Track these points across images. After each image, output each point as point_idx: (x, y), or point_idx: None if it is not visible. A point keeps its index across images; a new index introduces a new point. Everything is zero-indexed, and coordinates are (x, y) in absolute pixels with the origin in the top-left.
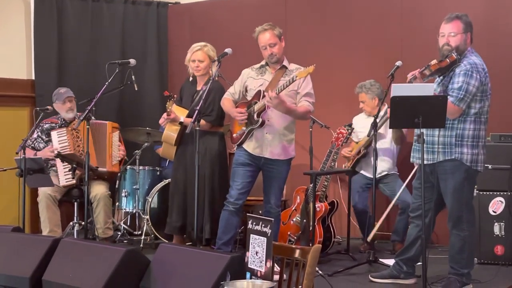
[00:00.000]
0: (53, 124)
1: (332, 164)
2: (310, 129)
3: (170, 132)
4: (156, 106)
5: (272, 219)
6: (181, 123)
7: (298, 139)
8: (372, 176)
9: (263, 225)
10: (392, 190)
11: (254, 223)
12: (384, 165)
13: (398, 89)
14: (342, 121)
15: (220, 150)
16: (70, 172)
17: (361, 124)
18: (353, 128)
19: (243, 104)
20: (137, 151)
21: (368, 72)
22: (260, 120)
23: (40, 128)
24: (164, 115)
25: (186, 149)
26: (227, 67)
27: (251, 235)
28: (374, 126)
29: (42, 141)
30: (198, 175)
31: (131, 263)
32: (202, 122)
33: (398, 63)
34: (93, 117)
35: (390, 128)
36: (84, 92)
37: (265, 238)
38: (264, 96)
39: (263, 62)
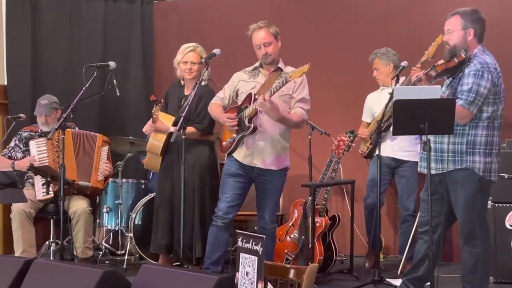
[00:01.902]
0: (32, 133)
1: (333, 174)
2: (309, 137)
3: (156, 141)
4: (140, 113)
5: (264, 236)
6: (171, 134)
7: (295, 147)
8: (392, 156)
9: (253, 242)
10: (402, 190)
11: (244, 240)
12: (402, 146)
13: (402, 92)
14: (344, 127)
15: (211, 160)
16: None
17: (376, 101)
18: (356, 135)
19: (233, 109)
20: (119, 162)
21: (372, 73)
22: (252, 126)
23: (18, 136)
24: (150, 122)
25: (172, 159)
26: (218, 69)
27: (241, 254)
28: (391, 97)
29: (19, 150)
30: (185, 187)
31: (110, 286)
32: (191, 129)
33: (404, 63)
34: (76, 127)
35: (393, 134)
36: (61, 98)
37: (256, 257)
38: (256, 99)
39: (256, 64)
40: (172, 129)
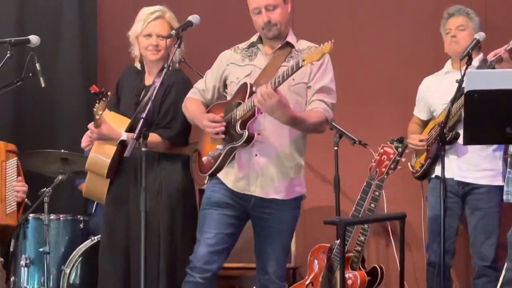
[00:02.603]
0: None
1: (373, 205)
2: (335, 148)
3: (100, 156)
4: (77, 114)
5: None
6: (122, 142)
7: (314, 163)
8: (459, 179)
9: None
10: (476, 229)
11: None
12: (476, 163)
13: (477, 79)
14: (387, 134)
15: (185, 184)
16: None
17: (436, 88)
18: (406, 145)
19: (219, 107)
20: (45, 189)
21: (423, 52)
22: (246, 133)
23: None
24: (90, 126)
25: (127, 184)
26: (196, 48)
27: None
28: (459, 87)
29: None
30: (147, 226)
31: None
32: (155, 138)
33: (478, 35)
34: None
35: (464, 144)
36: None
37: None
38: (253, 92)
39: (254, 38)
40: (125, 136)
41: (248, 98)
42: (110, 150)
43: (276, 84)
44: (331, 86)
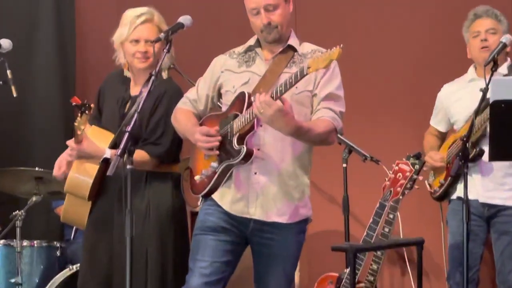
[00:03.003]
0: None
1: (387, 230)
2: (344, 165)
3: (81, 176)
4: (53, 127)
5: None
6: (105, 160)
7: (320, 182)
8: (484, 201)
9: None
10: (503, 255)
11: None
12: (502, 183)
13: (503, 88)
14: (402, 149)
15: (175, 206)
16: None
17: (463, 94)
18: (424, 162)
19: (212, 119)
20: (18, 212)
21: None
22: (244, 149)
23: None
24: (70, 143)
25: (110, 206)
26: (187, 53)
27: None
28: (483, 97)
29: None
30: (132, 254)
31: None
32: (142, 155)
33: (505, 38)
34: None
35: (490, 160)
36: None
37: None
38: (251, 103)
39: (251, 41)
40: (109, 154)
41: (246, 109)
42: (92, 169)
43: (278, 94)
44: (338, 93)
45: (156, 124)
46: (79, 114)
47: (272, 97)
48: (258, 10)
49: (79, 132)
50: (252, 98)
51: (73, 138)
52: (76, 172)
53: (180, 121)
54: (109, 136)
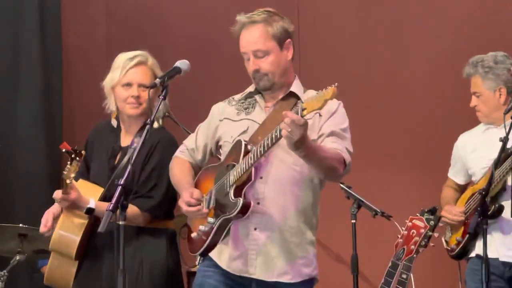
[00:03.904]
0: None
1: None
2: (353, 221)
3: (68, 234)
4: (37, 178)
5: None
6: (90, 211)
7: (327, 239)
8: (505, 259)
9: None
10: None
11: None
12: None
13: None
14: (416, 204)
15: (170, 266)
16: None
17: (475, 147)
18: (439, 218)
19: (209, 172)
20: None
21: (458, 102)
22: (240, 201)
23: None
24: (57, 196)
25: (99, 265)
26: (182, 99)
27: None
28: (503, 147)
29: None
30: None
31: None
32: (131, 210)
33: None
34: None
35: None
36: None
37: None
38: (248, 151)
39: (251, 88)
40: (93, 203)
41: (243, 158)
42: (80, 225)
43: (265, 149)
44: (344, 134)
45: (148, 176)
46: (69, 162)
47: (260, 151)
48: (248, 55)
49: (68, 181)
50: (249, 147)
51: (61, 189)
52: (62, 228)
53: (174, 175)
54: (98, 190)
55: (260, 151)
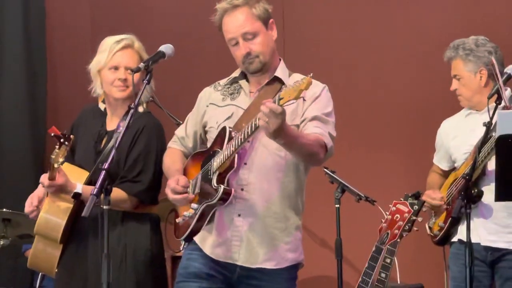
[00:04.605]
0: None
1: (383, 275)
2: (337, 205)
3: (53, 217)
4: (22, 163)
5: None
6: (76, 195)
7: (311, 224)
8: (486, 244)
9: None
10: None
11: None
12: (506, 224)
13: (510, 121)
14: (400, 188)
15: (154, 252)
16: None
17: (460, 130)
18: (423, 202)
19: (198, 156)
20: None
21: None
22: (221, 188)
23: None
24: (44, 180)
25: (83, 250)
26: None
27: None
28: (486, 132)
29: None
30: None
31: None
32: (119, 194)
33: (509, 69)
34: None
35: (496, 201)
36: None
37: None
38: (231, 137)
39: (236, 73)
40: (80, 188)
41: (227, 144)
42: (65, 209)
43: (245, 136)
44: (327, 118)
45: (134, 161)
46: (57, 146)
47: (240, 141)
48: (236, 40)
49: (55, 166)
50: (233, 134)
51: (47, 173)
52: (47, 212)
53: (165, 164)
54: (83, 174)
55: (241, 139)
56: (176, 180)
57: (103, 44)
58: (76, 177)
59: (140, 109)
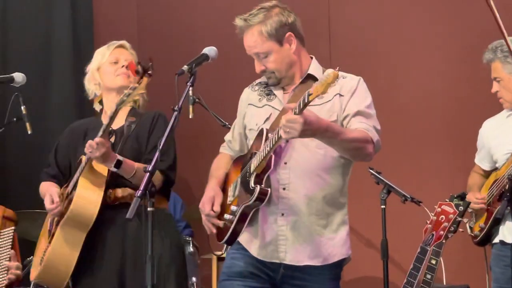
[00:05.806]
0: None
1: (429, 277)
2: (383, 206)
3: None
4: None
5: None
6: (118, 163)
7: (357, 224)
8: None
9: None
10: None
11: None
12: None
13: None
14: (445, 189)
15: (181, 245)
16: None
17: (501, 131)
18: (469, 203)
19: (239, 161)
20: (32, 257)
21: (487, 86)
22: (257, 188)
23: None
24: (97, 140)
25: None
26: (212, 87)
27: None
28: None
29: None
30: None
31: None
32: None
33: None
34: None
35: None
36: None
37: None
38: (267, 139)
39: None
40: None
41: (264, 144)
42: (95, 194)
43: (276, 140)
44: (369, 111)
45: (156, 142)
46: (140, 77)
47: (273, 141)
48: (252, 57)
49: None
50: (269, 135)
51: (96, 138)
52: (85, 187)
53: (211, 168)
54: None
55: (275, 138)
56: (211, 204)
57: (98, 50)
58: (101, 168)
59: (128, 106)
